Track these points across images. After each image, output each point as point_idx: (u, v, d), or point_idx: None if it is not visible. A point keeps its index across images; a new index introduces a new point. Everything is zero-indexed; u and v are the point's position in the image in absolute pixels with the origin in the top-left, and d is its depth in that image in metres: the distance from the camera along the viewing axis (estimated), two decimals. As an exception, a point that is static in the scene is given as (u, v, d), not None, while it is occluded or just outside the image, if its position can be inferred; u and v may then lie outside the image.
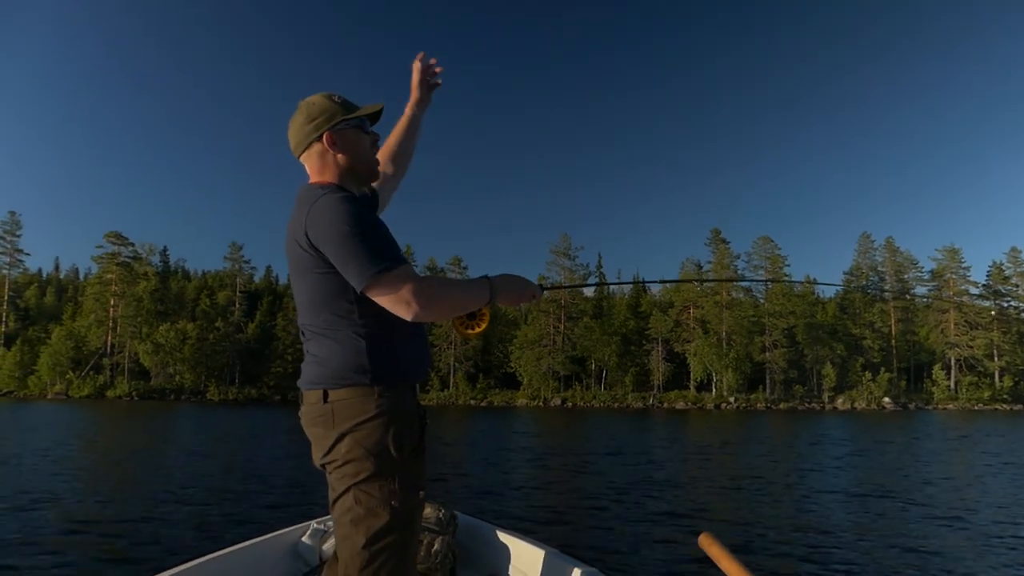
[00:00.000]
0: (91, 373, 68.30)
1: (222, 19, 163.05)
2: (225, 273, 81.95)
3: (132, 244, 74.22)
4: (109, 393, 65.27)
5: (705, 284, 72.47)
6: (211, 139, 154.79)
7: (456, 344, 70.10)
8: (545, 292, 2.04)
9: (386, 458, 1.64)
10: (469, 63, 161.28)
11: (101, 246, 72.84)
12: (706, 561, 1.54)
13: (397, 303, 1.58)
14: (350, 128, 1.77)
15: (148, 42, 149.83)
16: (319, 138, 1.76)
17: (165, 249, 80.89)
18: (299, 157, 1.83)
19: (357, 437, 1.63)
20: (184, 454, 17.17)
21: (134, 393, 64.87)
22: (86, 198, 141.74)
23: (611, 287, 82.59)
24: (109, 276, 71.90)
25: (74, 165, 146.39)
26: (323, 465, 1.71)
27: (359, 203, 1.66)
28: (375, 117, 1.86)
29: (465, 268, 76.31)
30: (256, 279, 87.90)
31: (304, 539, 2.90)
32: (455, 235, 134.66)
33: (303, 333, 1.76)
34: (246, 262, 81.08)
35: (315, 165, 1.79)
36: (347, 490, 1.64)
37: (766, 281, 68.61)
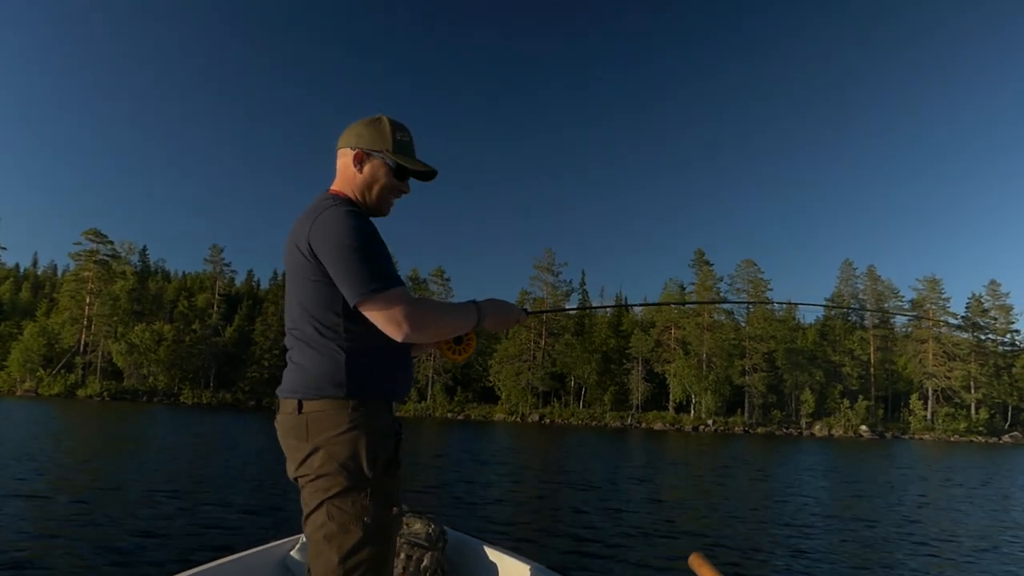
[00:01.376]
0: (62, 371, 67.18)
1: (205, 18, 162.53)
2: (205, 275, 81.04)
3: (111, 242, 73.37)
4: (80, 392, 64.08)
5: (688, 306, 72.40)
6: (198, 140, 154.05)
7: (435, 356, 69.52)
8: (528, 314, 2.04)
9: (359, 473, 1.63)
10: (459, 83, 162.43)
11: (79, 243, 72.04)
12: None
13: (389, 322, 1.59)
14: (381, 161, 1.80)
15: (128, 38, 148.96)
16: (352, 149, 1.80)
17: (145, 248, 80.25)
18: (337, 151, 1.86)
19: (330, 451, 1.61)
20: (160, 457, 16.62)
21: (105, 393, 63.72)
22: (69, 194, 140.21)
23: (593, 303, 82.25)
24: (86, 274, 70.96)
25: (58, 162, 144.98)
26: (296, 478, 1.69)
27: (366, 220, 1.69)
28: (420, 175, 1.88)
29: (448, 280, 76.05)
30: (237, 283, 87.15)
31: (292, 553, 2.86)
32: (439, 247, 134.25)
33: (288, 339, 1.75)
34: (226, 265, 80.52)
35: (340, 169, 1.84)
36: (320, 505, 1.62)
37: (747, 303, 68.69)
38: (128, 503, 9.51)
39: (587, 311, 68.69)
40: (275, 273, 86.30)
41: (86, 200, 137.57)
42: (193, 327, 72.33)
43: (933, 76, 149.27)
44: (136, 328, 67.59)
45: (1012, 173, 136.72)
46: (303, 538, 2.84)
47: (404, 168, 1.83)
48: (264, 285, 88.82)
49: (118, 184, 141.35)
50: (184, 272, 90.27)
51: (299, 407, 1.65)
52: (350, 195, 1.79)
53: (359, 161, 1.78)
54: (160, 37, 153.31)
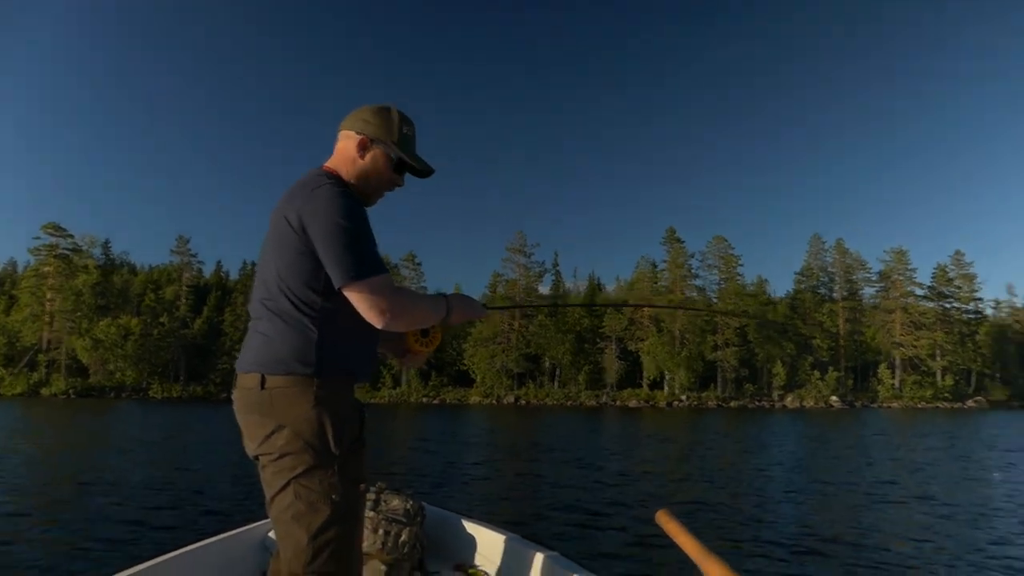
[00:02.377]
0: (24, 370, 65.61)
1: (162, 2, 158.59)
2: (172, 267, 79.28)
3: (71, 236, 71.20)
4: (44, 391, 62.67)
5: (659, 283, 72.72)
6: (159, 129, 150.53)
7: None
8: (488, 310, 2.09)
9: (326, 451, 1.62)
10: (429, 63, 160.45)
11: (38, 237, 69.90)
12: (660, 538, 1.53)
13: (372, 309, 1.60)
14: (384, 152, 1.81)
15: (83, 22, 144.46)
16: (357, 135, 1.80)
17: (107, 242, 77.95)
18: (339, 131, 1.85)
19: (296, 428, 1.60)
20: (131, 452, 16.27)
21: (71, 391, 62.39)
22: (27, 188, 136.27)
23: (566, 285, 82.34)
24: (46, 269, 68.90)
25: (13, 155, 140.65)
26: (256, 456, 1.66)
27: (360, 204, 1.69)
28: (416, 171, 1.90)
29: (419, 264, 75.36)
30: (206, 274, 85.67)
31: (271, 534, 2.82)
32: (410, 230, 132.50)
33: (257, 310, 1.71)
34: (193, 255, 78.67)
35: (340, 150, 1.82)
36: (286, 485, 1.61)
37: (673, 308, 69.18)
38: (99, 498, 9.40)
39: (545, 307, 68.54)
40: (244, 263, 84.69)
41: (45, 194, 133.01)
42: (161, 320, 70.87)
43: (895, 49, 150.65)
44: (101, 323, 65.92)
45: (975, 144, 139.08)
46: None
47: (404, 163, 1.84)
48: (234, 275, 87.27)
49: (78, 177, 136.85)
50: (151, 265, 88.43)
51: (262, 382, 1.62)
52: (345, 177, 1.78)
53: (362, 147, 1.78)
54: (117, 20, 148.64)
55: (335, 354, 1.66)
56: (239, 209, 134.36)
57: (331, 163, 1.82)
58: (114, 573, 2.21)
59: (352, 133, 1.80)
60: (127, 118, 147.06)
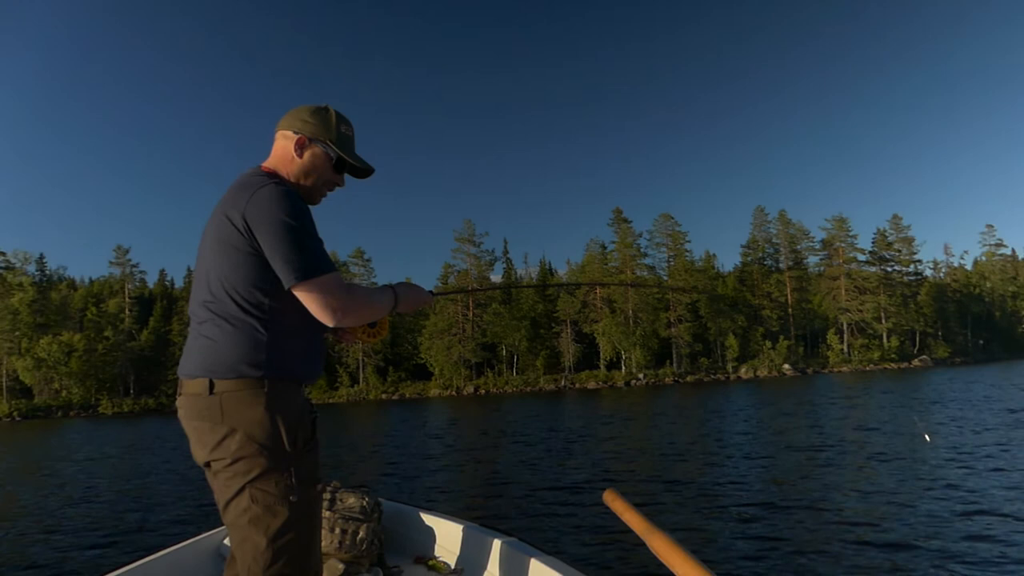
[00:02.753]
0: (-38, 394, 63.00)
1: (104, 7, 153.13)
2: (113, 279, 76.90)
3: (3, 253, 68.63)
4: (-14, 414, 60.29)
5: (610, 264, 73.18)
6: (90, 135, 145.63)
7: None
8: (435, 296, 2.10)
9: (280, 453, 1.60)
10: (370, 51, 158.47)
11: (-33, 257, 67.15)
12: (611, 516, 1.57)
13: (323, 307, 1.59)
14: (323, 151, 1.79)
15: (9, 18, 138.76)
16: (295, 134, 1.78)
17: (42, 257, 74.96)
18: (276, 131, 1.83)
19: (248, 432, 1.57)
20: (82, 469, 15.86)
21: (15, 413, 59.91)
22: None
23: (518, 271, 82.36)
24: (-22, 289, 66.30)
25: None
26: (208, 463, 1.63)
27: (304, 203, 1.68)
28: (356, 171, 1.89)
29: (368, 260, 74.55)
30: (150, 283, 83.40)
31: (225, 541, 2.83)
32: (358, 226, 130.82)
33: (198, 313, 1.66)
34: (134, 265, 76.43)
35: (277, 150, 1.80)
36: (241, 489, 1.58)
37: (626, 284, 69.99)
38: (51, 515, 9.33)
39: (492, 290, 68.75)
40: (189, 270, 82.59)
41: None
42: (105, 334, 68.76)
43: (831, 22, 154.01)
44: (42, 341, 63.78)
45: (909, 109, 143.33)
46: None
47: (343, 161, 1.82)
48: (179, 284, 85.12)
49: (2, 190, 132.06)
50: (91, 278, 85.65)
51: (210, 387, 1.58)
52: (284, 177, 1.76)
53: (300, 147, 1.76)
54: (41, 24, 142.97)
55: (284, 355, 1.64)
56: (180, 216, 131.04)
57: (269, 163, 1.81)
58: None
59: (290, 133, 1.78)
60: (50, 127, 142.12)
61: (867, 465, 10.11)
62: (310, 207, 1.76)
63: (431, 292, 2.01)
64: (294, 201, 1.61)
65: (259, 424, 1.58)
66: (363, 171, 1.89)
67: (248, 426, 1.57)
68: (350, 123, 1.86)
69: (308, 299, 1.59)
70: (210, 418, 1.59)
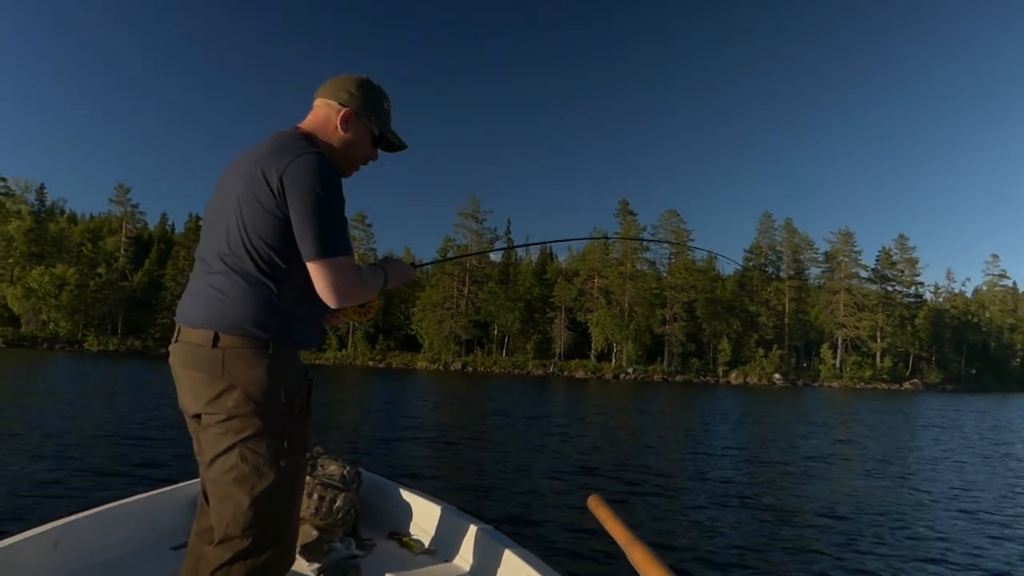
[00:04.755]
0: (-50, 316, 62.74)
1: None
2: (113, 217, 76.27)
3: (4, 179, 68.04)
4: (-29, 339, 60.16)
5: (611, 255, 72.64)
6: (104, 76, 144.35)
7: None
8: (416, 268, 2.11)
9: (276, 416, 1.60)
10: (389, 28, 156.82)
11: (-32, 180, 66.53)
12: (592, 519, 1.59)
13: (331, 287, 1.58)
14: (366, 126, 1.81)
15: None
16: (342, 106, 1.77)
17: (42, 187, 74.43)
18: (316, 97, 1.82)
19: (247, 391, 1.57)
20: (63, 404, 15.40)
21: (1, 340, 59.86)
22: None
23: (518, 253, 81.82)
24: (-25, 213, 65.82)
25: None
26: (199, 414, 1.63)
27: (339, 179, 1.66)
28: (391, 146, 1.91)
29: (369, 226, 74.03)
30: (151, 226, 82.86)
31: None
32: (361, 189, 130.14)
33: (211, 263, 1.64)
34: (134, 206, 75.76)
35: (319, 117, 1.79)
36: (231, 447, 1.57)
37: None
38: (26, 451, 9.01)
39: (470, 256, 67.97)
40: (190, 216, 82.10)
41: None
42: (98, 271, 68.44)
43: (852, 40, 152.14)
44: (34, 271, 63.46)
45: (926, 132, 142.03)
46: None
47: (383, 137, 1.84)
48: (179, 229, 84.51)
49: (10, 118, 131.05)
50: (91, 214, 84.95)
51: (215, 340, 1.57)
52: (322, 146, 1.73)
53: (345, 120, 1.76)
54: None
55: (291, 320, 1.64)
56: (187, 162, 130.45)
57: (308, 126, 1.77)
58: (41, 525, 2.23)
59: (335, 103, 1.76)
60: (67, 60, 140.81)
61: (852, 483, 10.07)
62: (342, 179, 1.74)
63: (413, 265, 2.03)
64: (333, 176, 1.59)
65: (259, 384, 1.57)
66: (398, 147, 1.91)
67: (248, 385, 1.56)
68: (388, 98, 1.85)
69: (320, 276, 1.57)
70: (209, 370, 1.57)
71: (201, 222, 1.85)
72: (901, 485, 10.01)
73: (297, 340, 1.67)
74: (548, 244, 61.95)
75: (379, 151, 1.89)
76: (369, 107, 1.79)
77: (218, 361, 1.56)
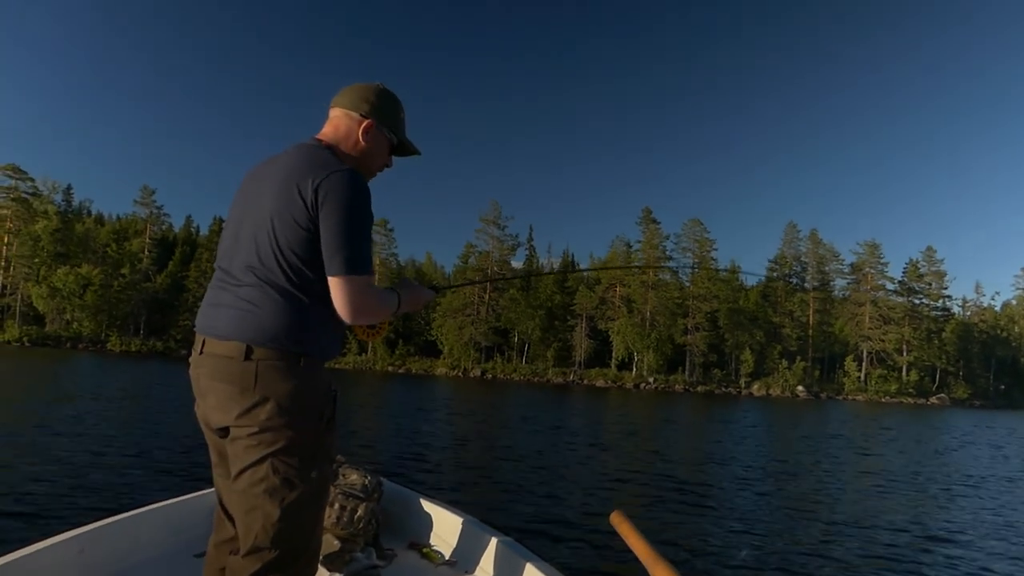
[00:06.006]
0: (-23, 314, 63.35)
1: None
2: (139, 219, 76.77)
3: (32, 179, 68.74)
4: (-3, 337, 60.70)
5: (633, 263, 72.04)
6: (130, 78, 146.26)
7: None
8: (438, 292, 2.13)
9: (307, 428, 1.61)
10: (411, 38, 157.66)
11: (-4, 179, 67.24)
12: (615, 534, 1.59)
13: (348, 305, 1.60)
14: (386, 137, 1.83)
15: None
16: (363, 117, 1.78)
17: (69, 187, 75.24)
18: (333, 107, 1.82)
19: (281, 403, 1.57)
20: (85, 405, 15.33)
21: (25, 339, 60.21)
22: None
23: (540, 260, 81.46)
24: (4, 212, 66.41)
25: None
26: (227, 427, 1.62)
27: (370, 198, 1.68)
28: (404, 151, 1.94)
29: (391, 230, 73.95)
30: (176, 228, 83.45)
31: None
32: (384, 193, 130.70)
33: (240, 276, 1.63)
34: (159, 207, 76.24)
35: (340, 128, 1.79)
36: (262, 459, 1.57)
37: (692, 267, 68.97)
38: (48, 451, 8.97)
39: (496, 281, 67.95)
40: (215, 219, 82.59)
41: (3, 134, 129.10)
42: (122, 272, 68.94)
43: (880, 47, 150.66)
44: (59, 271, 63.91)
45: (955, 144, 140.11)
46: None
47: (400, 145, 1.88)
48: (204, 231, 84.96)
49: (40, 119, 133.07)
50: (118, 215, 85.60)
51: (247, 352, 1.57)
52: (343, 155, 1.75)
53: (367, 132, 1.77)
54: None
55: (321, 333, 1.65)
56: (213, 164, 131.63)
57: (328, 138, 1.77)
58: (62, 531, 2.22)
59: (355, 114, 1.77)
60: (98, 61, 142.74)
61: (885, 501, 9.87)
62: None
63: (434, 287, 2.03)
64: (366, 195, 1.62)
65: (292, 397, 1.57)
66: (412, 153, 1.94)
67: (281, 398, 1.56)
68: (403, 105, 1.87)
69: (340, 292, 1.58)
70: (241, 383, 1.56)
71: (223, 231, 1.74)
72: (931, 504, 9.80)
73: (324, 352, 1.67)
74: (570, 272, 61.63)
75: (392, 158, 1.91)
76: (388, 117, 1.81)
77: (251, 373, 1.55)
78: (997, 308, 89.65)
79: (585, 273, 77.69)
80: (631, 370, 68.38)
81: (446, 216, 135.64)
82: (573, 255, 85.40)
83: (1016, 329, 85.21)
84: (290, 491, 1.56)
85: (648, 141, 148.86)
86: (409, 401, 26.57)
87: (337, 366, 63.94)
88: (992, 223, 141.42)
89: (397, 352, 68.99)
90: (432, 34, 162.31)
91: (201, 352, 1.65)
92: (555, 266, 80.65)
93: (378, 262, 71.13)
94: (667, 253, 72.84)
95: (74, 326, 64.97)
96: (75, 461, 8.44)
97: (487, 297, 69.98)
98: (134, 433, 11.46)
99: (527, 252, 78.00)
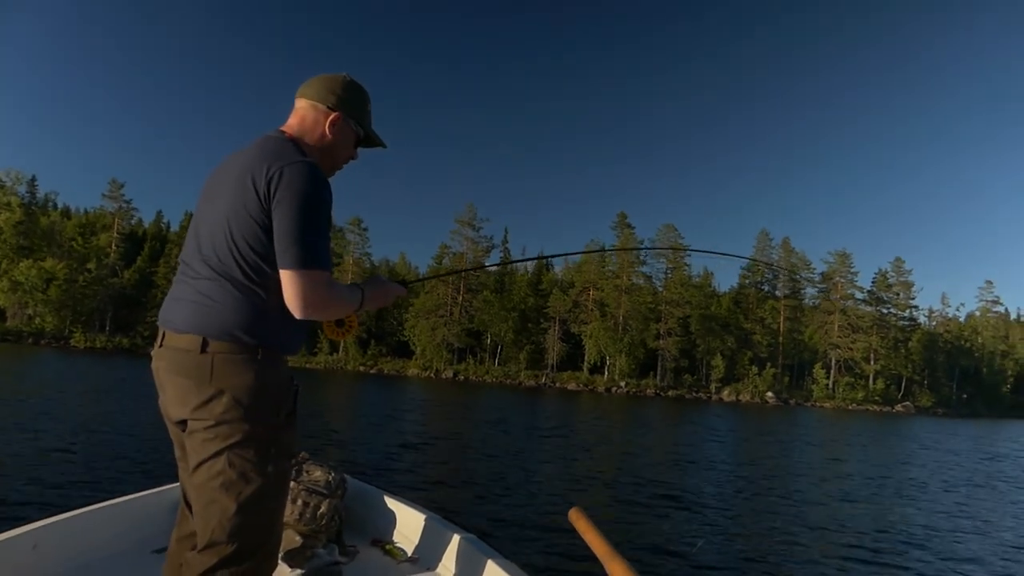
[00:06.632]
0: (-66, 308, 61.60)
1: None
2: (107, 213, 75.16)
3: (-6, 170, 67.08)
4: (-46, 330, 59.02)
5: (607, 267, 72.27)
6: (99, 70, 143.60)
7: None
8: (407, 286, 2.10)
9: (264, 422, 1.60)
10: (384, 39, 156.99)
11: (-42, 169, 65.47)
12: (575, 532, 1.60)
13: (300, 299, 1.55)
14: (352, 129, 1.80)
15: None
16: (329, 109, 1.75)
17: (33, 179, 73.24)
18: (299, 98, 1.78)
19: (236, 397, 1.56)
20: (47, 401, 15.01)
21: (-17, 334, 58.75)
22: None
23: (514, 262, 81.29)
24: (-36, 203, 64.71)
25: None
26: (184, 420, 1.61)
27: (330, 193, 1.65)
28: (369, 143, 1.91)
29: (365, 230, 73.41)
30: (145, 222, 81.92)
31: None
32: (357, 192, 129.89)
33: (197, 268, 1.62)
34: (127, 201, 74.69)
35: (306, 120, 1.75)
36: (219, 453, 1.56)
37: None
38: (9, 447, 8.93)
39: (462, 272, 67.91)
40: (186, 214, 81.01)
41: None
42: (88, 266, 67.47)
43: (857, 57, 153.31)
44: (21, 264, 62.40)
45: (927, 155, 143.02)
46: None
47: (368, 140, 1.86)
48: (175, 227, 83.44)
49: (3, 109, 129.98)
50: (86, 209, 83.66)
51: (203, 345, 1.55)
52: (307, 150, 1.70)
53: (334, 124, 1.74)
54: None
55: (278, 327, 1.62)
56: (185, 159, 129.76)
57: (293, 130, 1.74)
58: (20, 526, 2.20)
59: (321, 106, 1.74)
60: (67, 50, 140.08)
61: (840, 504, 10.13)
62: None
63: (403, 282, 2.01)
64: (324, 188, 1.58)
65: (248, 390, 1.55)
66: (378, 146, 1.92)
67: (237, 391, 1.55)
68: (369, 96, 1.83)
69: (291, 286, 1.54)
70: (197, 376, 1.55)
71: (189, 225, 1.69)
72: (890, 508, 10.08)
73: (284, 346, 1.65)
74: (545, 258, 61.51)
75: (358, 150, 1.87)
76: (355, 109, 1.77)
77: (206, 366, 1.54)
78: (962, 319, 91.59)
79: (559, 276, 77.65)
80: (603, 374, 68.56)
81: (421, 217, 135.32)
82: (548, 259, 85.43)
83: (980, 340, 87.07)
84: (246, 485, 1.53)
85: (624, 149, 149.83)
86: (378, 401, 26.52)
87: (309, 366, 63.37)
88: (959, 236, 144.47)
89: (369, 352, 68.57)
90: (410, 37, 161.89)
91: (161, 345, 1.63)
92: (529, 269, 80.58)
93: (351, 261, 70.57)
94: (641, 258, 73.07)
95: (36, 321, 63.49)
96: (34, 457, 8.32)
97: (460, 299, 69.75)
98: (99, 430, 11.32)
99: (502, 254, 77.81)
